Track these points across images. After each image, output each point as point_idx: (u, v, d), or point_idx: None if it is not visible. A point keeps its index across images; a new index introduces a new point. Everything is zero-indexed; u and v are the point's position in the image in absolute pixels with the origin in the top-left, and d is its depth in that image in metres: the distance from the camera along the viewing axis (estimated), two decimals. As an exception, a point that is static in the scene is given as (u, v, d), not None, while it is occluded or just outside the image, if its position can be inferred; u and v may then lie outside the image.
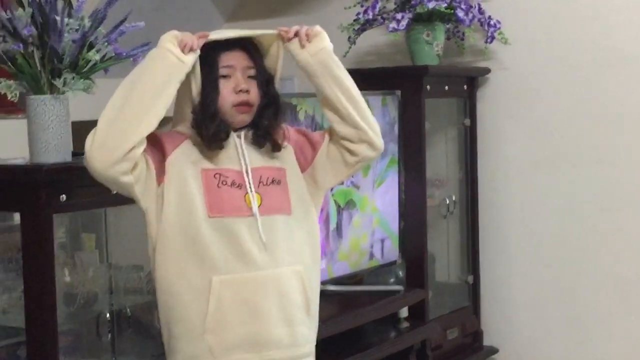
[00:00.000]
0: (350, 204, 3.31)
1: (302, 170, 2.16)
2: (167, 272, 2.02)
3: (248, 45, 2.09)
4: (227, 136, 2.04)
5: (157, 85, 1.96)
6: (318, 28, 2.16)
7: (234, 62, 2.06)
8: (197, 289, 1.99)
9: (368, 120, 2.15)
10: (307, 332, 2.10)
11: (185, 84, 2.03)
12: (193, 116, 2.03)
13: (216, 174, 2.03)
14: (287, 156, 2.15)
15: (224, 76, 2.05)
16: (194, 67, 2.02)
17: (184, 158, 2.03)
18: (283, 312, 2.03)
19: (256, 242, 2.02)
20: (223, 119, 2.03)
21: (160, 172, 2.01)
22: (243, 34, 2.08)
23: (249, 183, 2.04)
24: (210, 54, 2.04)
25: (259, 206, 2.04)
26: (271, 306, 2.02)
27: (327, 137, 2.17)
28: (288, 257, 2.07)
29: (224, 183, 2.03)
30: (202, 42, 2.02)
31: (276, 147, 2.11)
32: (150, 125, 1.96)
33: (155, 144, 2.02)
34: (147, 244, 2.08)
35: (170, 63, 1.98)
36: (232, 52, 2.06)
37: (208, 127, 2.01)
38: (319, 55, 2.12)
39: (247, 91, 2.05)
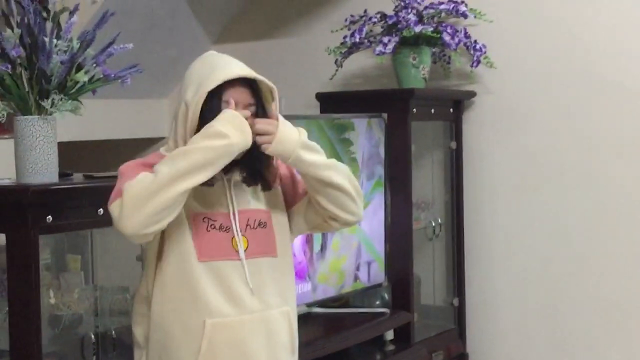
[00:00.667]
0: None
1: (286, 207, 2.17)
2: (164, 310, 2.03)
3: (252, 82, 2.06)
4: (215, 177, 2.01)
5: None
6: (268, 126, 2.04)
7: (237, 97, 2.03)
8: (191, 330, 2.01)
9: (351, 209, 2.12)
10: None
11: (183, 111, 2.02)
12: None
13: (205, 217, 2.04)
14: (274, 197, 2.15)
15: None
16: (193, 99, 2.00)
17: None
18: (271, 353, 2.07)
19: (245, 285, 2.04)
20: None
21: None
22: (246, 73, 2.04)
23: (236, 227, 2.05)
24: (210, 83, 2.00)
25: (245, 249, 2.05)
26: (260, 348, 2.05)
27: (307, 197, 2.15)
28: (275, 299, 2.09)
29: (213, 227, 2.04)
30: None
31: (266, 187, 2.11)
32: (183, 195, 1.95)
33: None
34: (142, 272, 2.09)
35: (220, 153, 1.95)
36: (235, 88, 2.03)
37: None
38: (289, 160, 2.05)
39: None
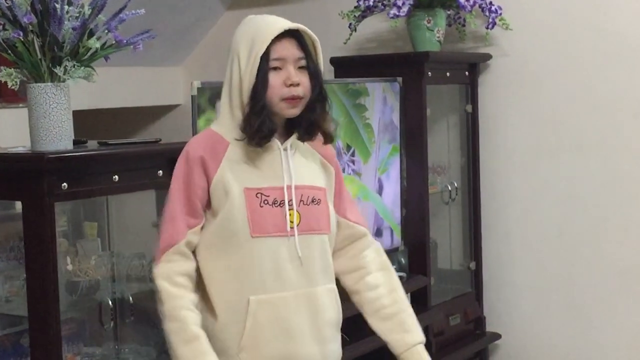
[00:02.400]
0: (351, 192, 3.31)
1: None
2: (210, 289, 2.02)
3: (297, 35, 2.02)
4: (270, 135, 1.99)
5: None
6: None
7: (286, 53, 1.99)
8: (235, 309, 2.00)
9: None
10: (337, 348, 2.13)
11: (236, 83, 2.00)
12: (242, 116, 1.99)
13: (258, 193, 2.00)
14: (329, 177, 2.14)
15: (275, 68, 1.99)
16: (247, 66, 1.98)
17: (228, 174, 2.00)
18: (316, 330, 2.05)
19: (293, 260, 2.02)
20: (270, 115, 1.99)
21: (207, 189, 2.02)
22: (290, 25, 2.01)
23: (292, 201, 2.02)
24: (261, 44, 1.97)
25: (297, 224, 2.03)
26: (304, 325, 2.03)
27: (337, 221, 2.15)
28: (322, 276, 2.07)
29: (266, 202, 2.01)
30: None
31: (328, 138, 2.09)
32: None
33: (201, 176, 2.00)
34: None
35: None
36: (283, 42, 1.99)
37: (253, 122, 1.97)
38: None
39: (298, 84, 2.00)
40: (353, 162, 3.31)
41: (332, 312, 2.09)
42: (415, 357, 2.13)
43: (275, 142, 2.03)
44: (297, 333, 2.02)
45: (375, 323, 2.15)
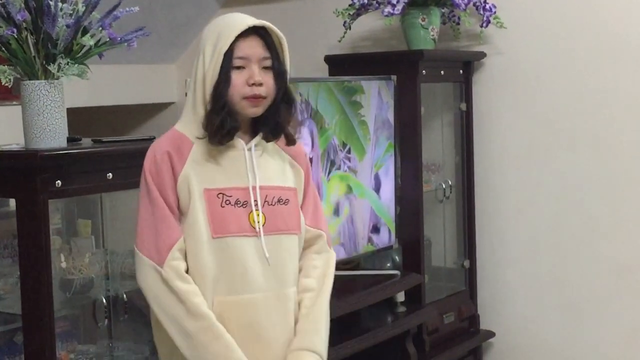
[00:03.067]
0: (346, 189, 3.31)
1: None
2: None
3: (264, 34, 2.01)
4: (232, 132, 1.99)
5: None
6: None
7: (250, 52, 1.99)
8: None
9: None
10: None
11: (200, 79, 2.00)
12: (204, 113, 1.99)
13: (219, 193, 2.00)
14: (298, 177, 2.13)
15: (238, 67, 1.99)
16: (210, 63, 1.97)
17: (192, 174, 1.99)
18: (287, 333, 2.04)
19: (261, 261, 2.01)
20: (231, 113, 1.98)
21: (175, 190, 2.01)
22: (255, 22, 2.00)
23: (257, 201, 2.02)
24: (224, 41, 1.97)
25: (263, 225, 2.02)
26: (275, 327, 2.02)
27: (304, 227, 2.13)
28: (292, 277, 2.07)
29: (228, 203, 2.00)
30: None
31: (290, 141, 2.09)
32: None
33: (168, 179, 2.00)
34: None
35: None
36: (247, 41, 1.99)
37: (214, 120, 1.97)
38: None
39: (261, 84, 1.99)
40: (349, 159, 3.31)
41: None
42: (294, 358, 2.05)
43: (239, 141, 2.03)
44: (267, 335, 2.01)
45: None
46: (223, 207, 1.99)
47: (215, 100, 1.98)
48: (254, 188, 2.02)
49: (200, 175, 2.00)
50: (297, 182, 2.13)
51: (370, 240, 3.44)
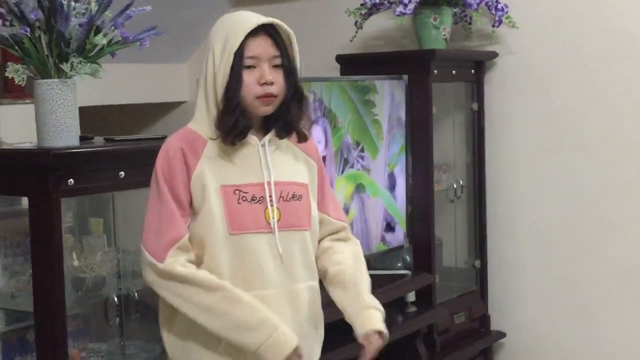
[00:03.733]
0: (360, 187, 3.32)
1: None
2: None
3: (273, 32, 2.01)
4: (245, 132, 2.00)
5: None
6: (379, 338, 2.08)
7: (260, 52, 1.99)
8: None
9: None
10: (317, 348, 2.13)
11: (210, 79, 2.00)
12: (217, 113, 2.00)
13: (236, 190, 2.00)
14: (312, 172, 2.14)
15: (249, 66, 1.99)
16: (220, 62, 1.97)
17: (207, 171, 2.00)
18: (297, 328, 2.04)
19: (274, 257, 2.02)
20: (244, 113, 1.99)
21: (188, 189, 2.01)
22: (263, 20, 2.00)
23: (272, 197, 2.02)
24: (234, 41, 1.97)
25: (277, 221, 2.02)
26: (286, 322, 2.01)
27: (318, 216, 2.14)
28: (304, 273, 2.07)
29: (244, 199, 2.01)
30: None
31: (302, 138, 2.10)
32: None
33: (181, 176, 2.00)
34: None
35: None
36: (257, 40, 1.99)
37: (227, 121, 1.97)
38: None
39: (272, 83, 2.00)
40: (362, 157, 3.32)
41: (310, 310, 2.09)
42: (365, 318, 2.07)
43: (253, 138, 2.04)
44: None
45: (334, 291, 2.12)
46: (240, 203, 2.00)
47: (228, 100, 1.98)
48: (269, 184, 2.03)
49: (215, 172, 2.00)
50: (311, 177, 2.13)
51: (383, 239, 3.44)
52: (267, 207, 2.02)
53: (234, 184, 2.01)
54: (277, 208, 2.03)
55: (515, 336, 3.89)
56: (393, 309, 3.39)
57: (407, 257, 3.58)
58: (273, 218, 2.02)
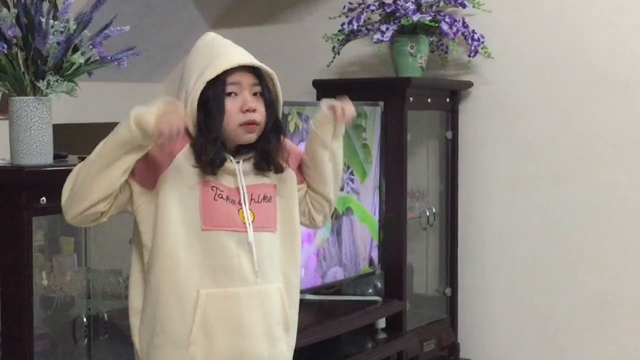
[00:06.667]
0: (349, 210, 3.34)
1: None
2: (162, 283, 2.00)
3: (251, 68, 2.03)
4: (222, 162, 2.01)
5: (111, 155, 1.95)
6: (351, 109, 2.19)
7: (241, 80, 2.01)
8: (186, 301, 1.99)
9: (325, 210, 2.22)
10: (286, 349, 2.12)
11: (183, 96, 2.01)
12: (194, 136, 1.99)
13: (213, 186, 2.01)
14: (291, 179, 2.14)
15: (230, 94, 2.00)
16: (194, 86, 1.99)
17: (187, 163, 2.00)
18: (267, 328, 2.04)
19: (246, 257, 2.02)
20: (225, 142, 2.01)
21: (156, 173, 1.99)
22: (246, 61, 2.02)
23: (245, 200, 2.03)
24: (210, 74, 1.98)
25: (252, 221, 2.04)
26: (256, 322, 2.02)
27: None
28: (272, 274, 2.08)
29: (220, 197, 2.02)
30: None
31: (279, 169, 2.10)
32: (104, 191, 1.95)
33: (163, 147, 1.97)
34: (132, 249, 2.07)
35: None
36: (238, 72, 2.01)
37: (207, 152, 1.98)
38: (339, 138, 2.17)
39: (254, 110, 2.01)
40: (352, 180, 3.35)
41: (279, 312, 2.09)
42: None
43: (229, 156, 2.04)
44: (249, 330, 2.02)
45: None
46: (216, 200, 2.01)
47: (209, 130, 1.99)
48: (242, 188, 2.03)
49: (192, 167, 2.00)
50: (283, 177, 2.12)
51: (371, 261, 3.48)
52: (240, 208, 2.03)
53: (211, 180, 2.01)
54: (250, 209, 2.04)
55: (484, 365, 3.90)
56: (363, 335, 3.39)
57: (379, 283, 3.58)
58: (248, 218, 2.03)
